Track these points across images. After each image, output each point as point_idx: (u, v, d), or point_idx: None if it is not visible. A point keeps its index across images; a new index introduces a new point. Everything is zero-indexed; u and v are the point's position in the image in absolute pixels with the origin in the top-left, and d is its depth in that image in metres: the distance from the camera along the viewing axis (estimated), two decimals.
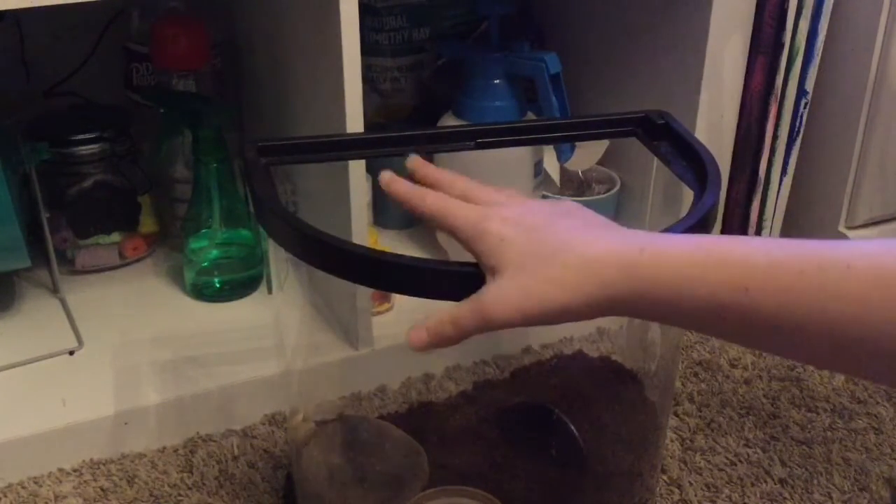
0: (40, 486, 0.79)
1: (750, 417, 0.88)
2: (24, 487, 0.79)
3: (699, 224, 0.55)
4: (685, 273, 0.45)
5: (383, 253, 0.53)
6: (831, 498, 0.79)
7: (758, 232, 1.07)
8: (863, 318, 0.40)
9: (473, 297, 0.50)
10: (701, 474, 0.82)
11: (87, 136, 0.96)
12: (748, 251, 0.44)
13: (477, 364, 0.93)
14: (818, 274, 0.41)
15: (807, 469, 0.82)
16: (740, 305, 0.43)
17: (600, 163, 1.07)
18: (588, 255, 0.48)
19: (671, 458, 0.83)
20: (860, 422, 0.88)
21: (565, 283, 0.48)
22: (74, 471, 0.81)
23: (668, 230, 0.53)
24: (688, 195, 0.60)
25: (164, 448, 0.84)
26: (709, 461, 0.83)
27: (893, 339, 0.40)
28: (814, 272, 0.41)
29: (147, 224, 1.03)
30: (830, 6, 0.97)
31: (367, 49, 1.05)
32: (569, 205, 0.53)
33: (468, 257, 0.53)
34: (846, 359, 0.43)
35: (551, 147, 0.99)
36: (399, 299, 0.95)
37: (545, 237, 0.49)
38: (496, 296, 0.49)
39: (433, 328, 0.52)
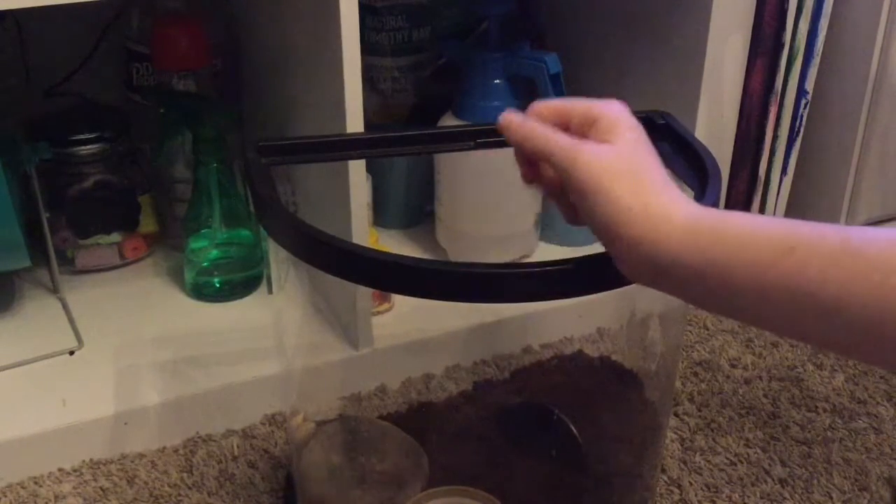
0: (40, 486, 0.79)
1: (750, 417, 0.88)
2: (24, 487, 0.79)
3: None
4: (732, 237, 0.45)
5: (383, 253, 0.53)
6: (831, 498, 0.79)
7: None
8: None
9: (576, 140, 0.50)
10: (701, 474, 0.82)
11: (87, 136, 0.96)
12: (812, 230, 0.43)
13: (477, 364, 0.92)
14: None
15: (807, 469, 0.82)
16: (785, 273, 0.42)
17: None
18: (663, 203, 0.48)
19: (671, 458, 0.83)
20: (860, 422, 0.88)
21: (637, 202, 0.47)
22: (74, 471, 0.81)
23: None
24: (688, 195, 0.60)
25: (164, 448, 0.84)
26: (709, 461, 0.83)
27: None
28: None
29: (147, 224, 1.03)
30: (830, 6, 0.97)
31: (367, 49, 1.05)
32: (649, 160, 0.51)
33: (468, 257, 0.53)
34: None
35: None
36: (399, 299, 0.95)
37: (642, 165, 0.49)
38: (595, 152, 0.49)
39: (525, 124, 0.52)
